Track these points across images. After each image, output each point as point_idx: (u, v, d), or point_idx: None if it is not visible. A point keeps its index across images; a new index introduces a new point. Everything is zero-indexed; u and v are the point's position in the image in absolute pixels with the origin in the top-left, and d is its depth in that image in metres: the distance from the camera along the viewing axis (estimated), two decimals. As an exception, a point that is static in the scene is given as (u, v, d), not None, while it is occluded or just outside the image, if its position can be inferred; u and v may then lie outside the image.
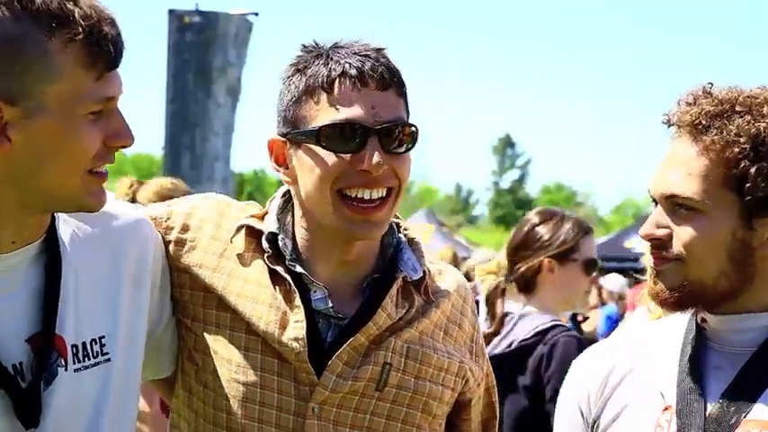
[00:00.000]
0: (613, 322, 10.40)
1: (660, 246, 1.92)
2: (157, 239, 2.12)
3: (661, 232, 1.92)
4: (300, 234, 2.14)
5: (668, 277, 1.92)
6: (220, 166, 11.44)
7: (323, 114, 2.02)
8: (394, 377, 2.08)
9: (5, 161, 1.71)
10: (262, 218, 2.16)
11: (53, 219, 1.90)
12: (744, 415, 1.86)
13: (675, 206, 1.91)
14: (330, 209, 2.04)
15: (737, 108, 1.88)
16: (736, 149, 1.85)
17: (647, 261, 1.99)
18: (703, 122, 1.88)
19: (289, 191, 2.18)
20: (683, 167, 1.89)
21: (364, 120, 2.01)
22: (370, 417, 2.07)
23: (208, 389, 2.08)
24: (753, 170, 1.84)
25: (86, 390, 1.89)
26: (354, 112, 2.01)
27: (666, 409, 1.95)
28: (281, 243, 2.11)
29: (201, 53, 11.15)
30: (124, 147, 1.81)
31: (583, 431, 2.13)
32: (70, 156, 1.74)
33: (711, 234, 1.88)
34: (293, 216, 2.16)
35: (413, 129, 2.07)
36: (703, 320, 2.00)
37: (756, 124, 1.86)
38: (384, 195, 2.05)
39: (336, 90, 2.02)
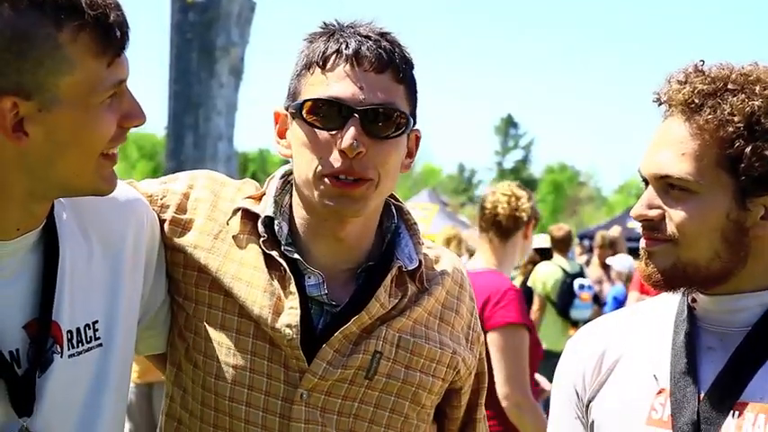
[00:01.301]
0: (620, 303, 10.37)
1: (652, 227, 1.91)
2: (153, 219, 2.12)
3: (653, 213, 1.90)
4: (298, 216, 2.13)
5: (660, 259, 1.91)
6: (223, 145, 11.43)
7: (312, 89, 2.02)
8: (384, 366, 2.07)
9: (21, 154, 1.70)
10: (259, 199, 2.16)
11: (52, 205, 1.89)
12: (737, 397, 1.86)
13: (668, 187, 1.89)
14: (312, 180, 2.02)
15: (730, 86, 1.87)
16: (731, 129, 1.83)
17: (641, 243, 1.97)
18: (696, 101, 1.86)
19: (289, 172, 2.18)
20: (675, 147, 1.87)
21: (349, 99, 1.98)
22: (359, 404, 2.07)
23: (197, 368, 2.08)
24: (747, 150, 1.83)
25: (80, 375, 1.89)
26: (340, 89, 1.99)
27: (660, 392, 1.96)
28: (276, 228, 2.09)
29: (204, 33, 11.12)
30: (137, 126, 1.81)
31: (577, 409, 2.14)
32: (87, 143, 1.74)
33: (705, 215, 1.86)
34: (291, 198, 2.15)
35: (401, 115, 2.02)
36: (694, 301, 2.00)
37: (750, 102, 1.84)
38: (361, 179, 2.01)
39: (329, 66, 2.01)
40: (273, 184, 2.18)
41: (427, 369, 2.13)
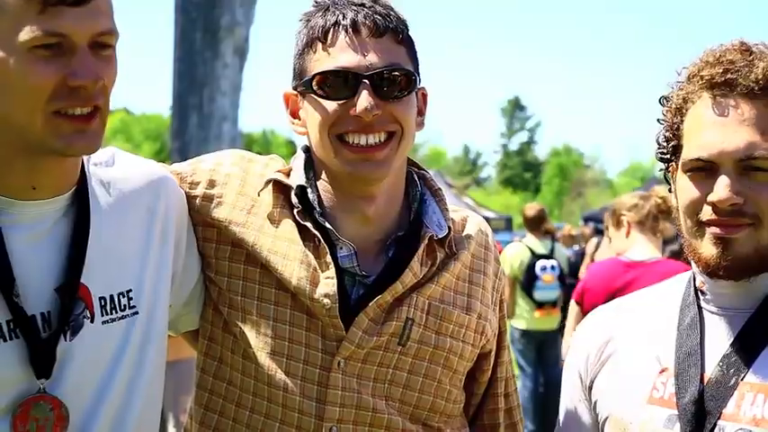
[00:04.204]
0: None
1: (735, 212, 1.84)
2: (182, 196, 2.14)
3: (738, 198, 1.83)
4: (324, 190, 2.16)
5: (742, 244, 1.85)
6: (228, 126, 11.42)
7: (318, 64, 2.06)
8: (416, 332, 2.10)
9: None
10: (287, 174, 2.19)
11: (84, 172, 1.91)
12: (741, 377, 1.85)
13: (748, 168, 1.83)
14: (332, 154, 2.06)
15: None
16: None
17: (704, 233, 1.88)
18: (764, 80, 1.83)
19: (309, 147, 2.19)
20: (754, 128, 1.83)
21: (355, 67, 2.03)
22: (393, 371, 2.10)
23: (236, 338, 2.12)
24: None
25: (111, 342, 1.91)
26: (346, 59, 2.03)
27: (662, 371, 1.95)
28: (310, 197, 2.13)
29: (208, 13, 11.09)
30: (84, 87, 1.74)
31: (582, 393, 2.15)
32: (20, 91, 1.71)
33: None
34: (315, 172, 2.18)
35: (407, 72, 2.07)
36: (702, 283, 1.98)
37: None
38: (383, 140, 2.06)
39: (330, 39, 2.05)
40: (299, 158, 2.21)
41: (456, 334, 2.17)
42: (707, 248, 1.88)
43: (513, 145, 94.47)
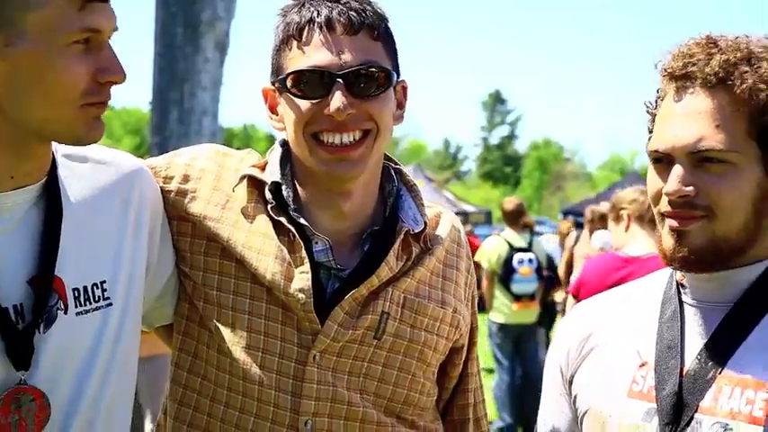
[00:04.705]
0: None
1: (687, 203, 1.87)
2: (157, 189, 2.14)
3: (689, 189, 1.86)
4: (301, 185, 2.17)
5: (696, 236, 1.88)
6: (208, 120, 11.38)
7: (293, 62, 2.06)
8: (391, 326, 2.12)
9: None
10: (262, 168, 2.19)
11: (54, 163, 1.91)
12: (719, 371, 1.87)
13: (701, 160, 1.86)
14: (307, 152, 2.08)
15: (755, 55, 1.87)
16: (761, 97, 1.83)
17: (664, 227, 1.92)
18: (724, 72, 1.85)
19: (287, 141, 2.20)
20: (707, 120, 1.85)
21: (329, 66, 2.03)
22: (368, 364, 2.11)
23: (211, 333, 2.12)
24: None
25: (86, 334, 1.91)
26: (319, 58, 2.04)
27: (642, 365, 1.98)
28: (284, 193, 2.14)
29: (189, 7, 11.04)
30: (115, 83, 1.80)
31: (562, 387, 2.17)
32: (54, 87, 1.73)
33: (741, 186, 1.85)
34: (292, 166, 2.19)
35: (383, 69, 2.07)
36: (682, 277, 2.01)
37: None
38: (358, 138, 2.07)
39: (305, 37, 2.05)
40: (276, 153, 2.21)
41: (431, 328, 2.18)
42: (665, 240, 1.92)
43: (494, 139, 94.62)
